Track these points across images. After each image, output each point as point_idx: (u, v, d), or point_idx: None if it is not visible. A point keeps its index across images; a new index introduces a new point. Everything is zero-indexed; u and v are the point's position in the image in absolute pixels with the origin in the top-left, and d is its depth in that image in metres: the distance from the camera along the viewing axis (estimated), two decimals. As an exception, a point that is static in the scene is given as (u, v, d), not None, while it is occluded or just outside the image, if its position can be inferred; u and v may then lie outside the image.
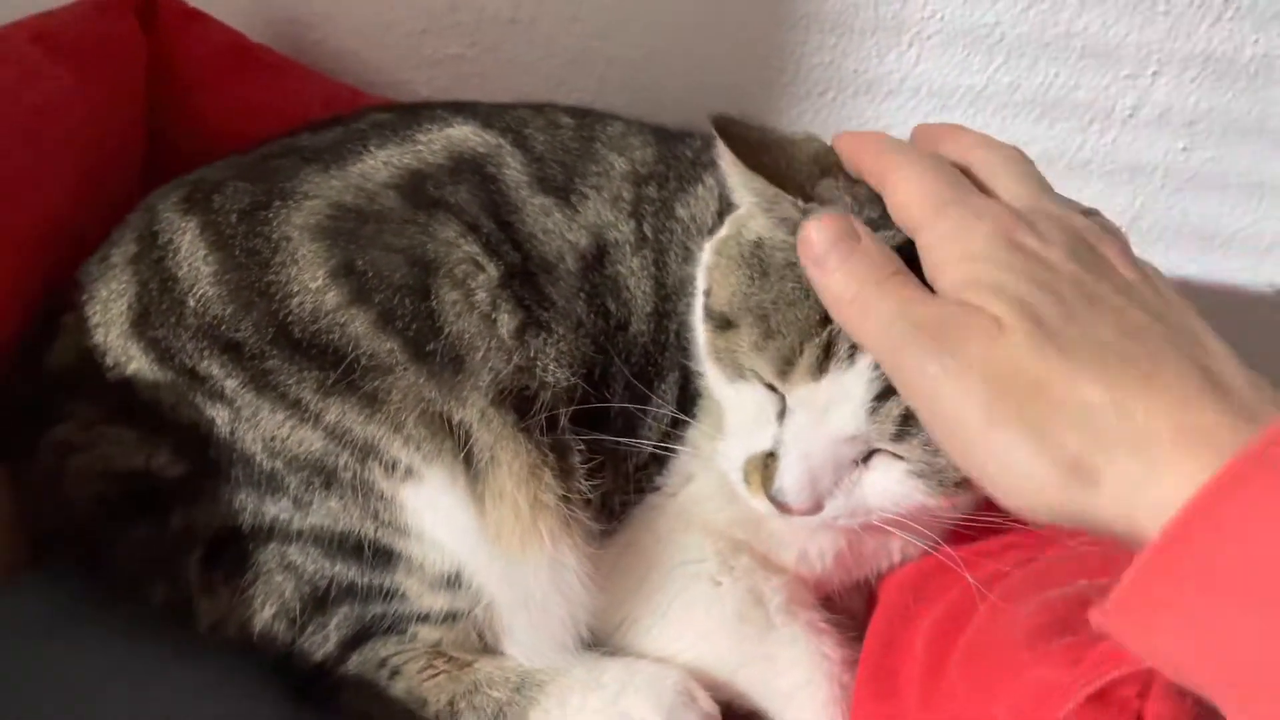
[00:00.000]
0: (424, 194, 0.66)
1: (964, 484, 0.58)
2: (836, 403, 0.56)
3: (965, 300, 0.46)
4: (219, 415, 0.62)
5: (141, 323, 0.64)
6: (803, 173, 0.59)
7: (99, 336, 0.65)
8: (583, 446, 0.64)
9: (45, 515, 0.66)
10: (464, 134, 0.70)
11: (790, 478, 0.57)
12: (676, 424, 0.67)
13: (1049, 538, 0.66)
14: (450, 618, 0.64)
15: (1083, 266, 0.46)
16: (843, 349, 0.55)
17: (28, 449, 0.65)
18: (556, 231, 0.67)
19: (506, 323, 0.64)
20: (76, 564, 0.67)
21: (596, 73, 1.01)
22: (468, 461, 0.62)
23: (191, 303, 0.63)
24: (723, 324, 0.60)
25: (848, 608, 0.72)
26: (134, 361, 0.63)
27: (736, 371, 0.60)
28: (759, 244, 0.60)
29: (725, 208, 0.67)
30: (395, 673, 0.64)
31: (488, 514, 0.62)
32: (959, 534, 0.67)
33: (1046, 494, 0.42)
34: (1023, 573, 0.63)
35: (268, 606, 0.63)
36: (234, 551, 0.63)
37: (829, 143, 0.61)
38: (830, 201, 0.57)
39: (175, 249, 0.65)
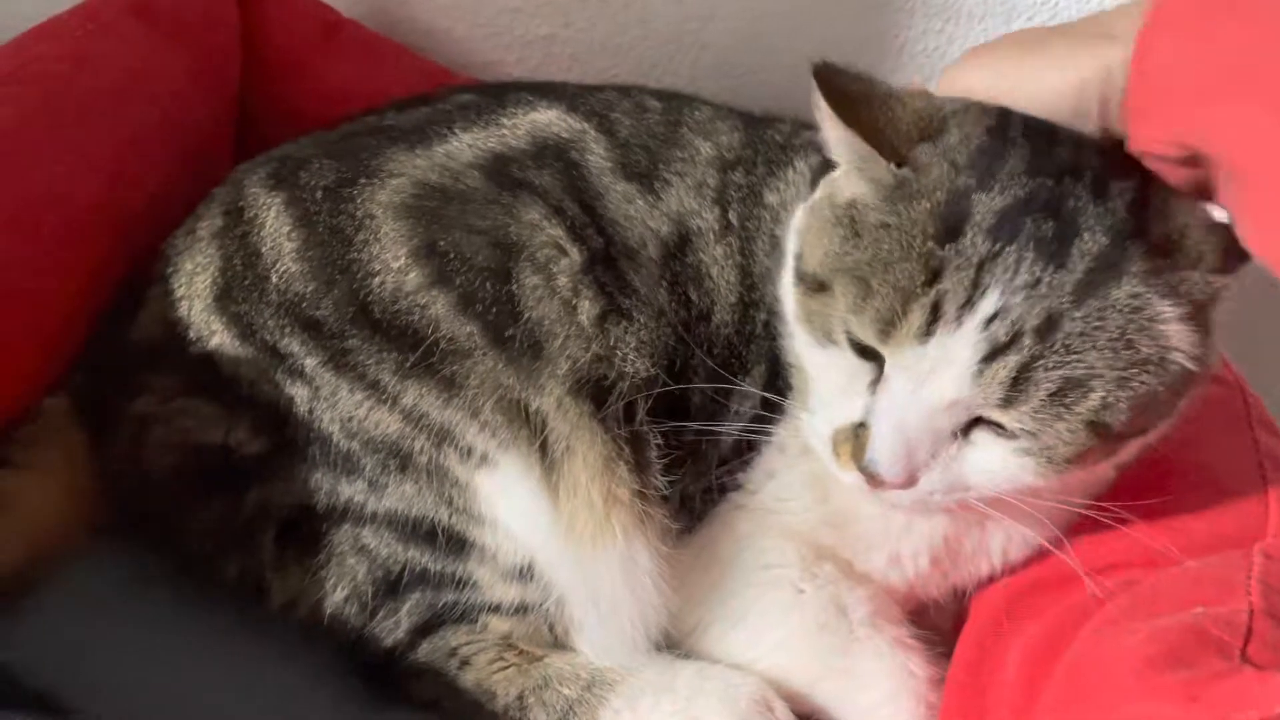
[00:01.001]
0: (508, 175, 0.64)
1: (1075, 461, 0.54)
2: (939, 366, 0.53)
3: None
4: (298, 393, 0.62)
5: (225, 297, 0.63)
6: (902, 133, 0.56)
7: (182, 310, 0.64)
8: (660, 440, 0.62)
9: (124, 486, 0.66)
10: (549, 118, 0.68)
11: (884, 448, 0.55)
12: (760, 419, 0.64)
13: (1154, 557, 0.62)
14: (521, 610, 0.63)
15: None
16: (950, 310, 0.52)
17: (109, 420, 0.65)
18: (639, 218, 0.65)
19: (587, 309, 0.62)
20: (151, 536, 0.67)
21: (690, 57, 0.98)
22: (543, 451, 0.60)
23: (274, 278, 0.63)
24: (815, 286, 0.58)
25: (935, 624, 0.69)
26: (216, 336, 0.63)
27: (827, 335, 0.57)
28: (851, 204, 0.57)
29: (818, 183, 0.64)
30: (465, 663, 0.63)
31: (561, 506, 0.60)
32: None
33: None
34: (1129, 596, 0.59)
35: (340, 589, 0.63)
36: (308, 531, 0.63)
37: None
38: (924, 167, 0.55)
39: (260, 224, 0.65)
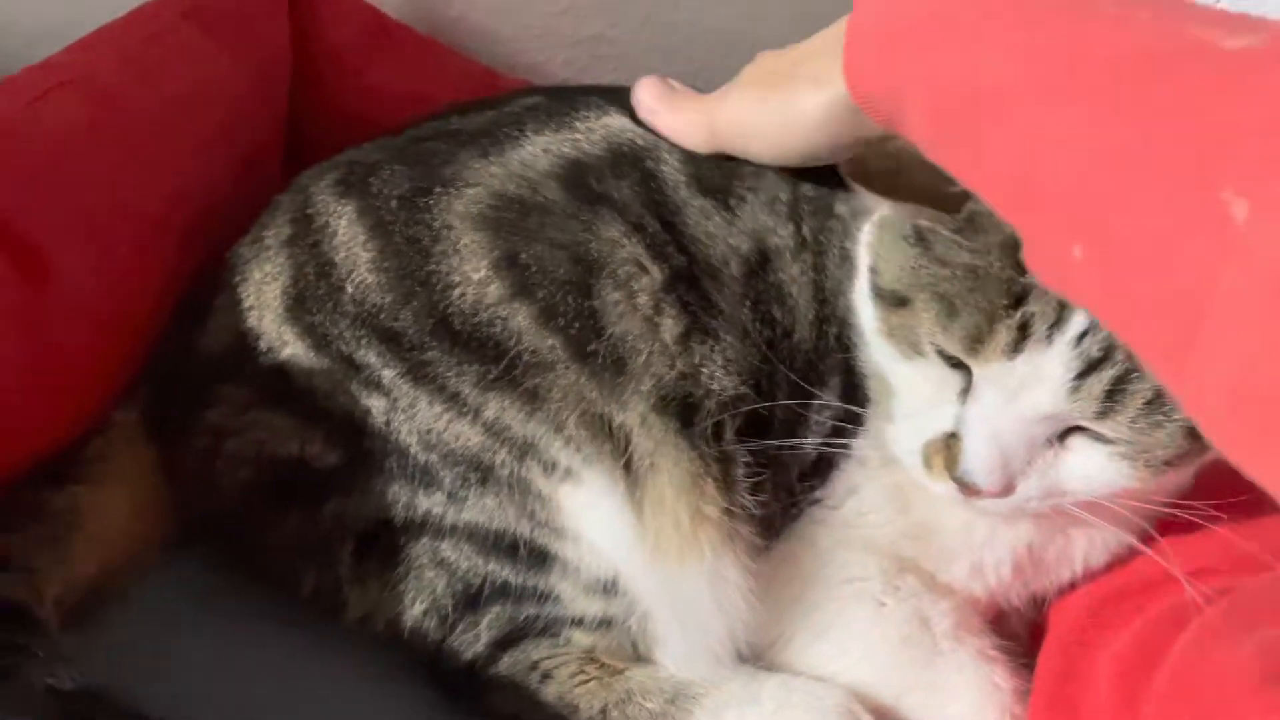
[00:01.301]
0: (587, 187, 0.63)
1: (1172, 463, 0.54)
2: (1031, 382, 0.52)
3: None
4: (375, 405, 0.61)
5: (297, 307, 0.62)
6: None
7: (253, 320, 0.63)
8: (748, 458, 0.61)
9: (197, 498, 0.65)
10: (622, 124, 0.67)
11: (978, 459, 0.54)
12: (839, 431, 0.63)
13: (1245, 561, 0.60)
14: (605, 624, 0.62)
15: None
16: (1040, 329, 0.52)
17: (180, 433, 0.64)
18: (719, 235, 0.64)
19: (670, 328, 0.61)
20: (224, 549, 0.66)
21: (741, 58, 0.97)
22: (627, 467, 0.59)
23: (350, 289, 0.61)
24: (895, 301, 0.58)
25: (1014, 632, 0.68)
26: (289, 346, 0.62)
27: (913, 348, 0.57)
28: (919, 226, 0.57)
29: None
30: (547, 676, 0.62)
31: (646, 522, 0.59)
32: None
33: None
34: (1226, 604, 0.58)
35: (419, 602, 0.62)
36: (386, 544, 0.62)
37: None
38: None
39: (332, 232, 0.63)
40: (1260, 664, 0.50)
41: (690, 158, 0.66)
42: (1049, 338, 0.52)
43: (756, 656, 0.64)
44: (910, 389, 0.59)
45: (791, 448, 0.62)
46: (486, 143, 0.65)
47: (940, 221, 0.55)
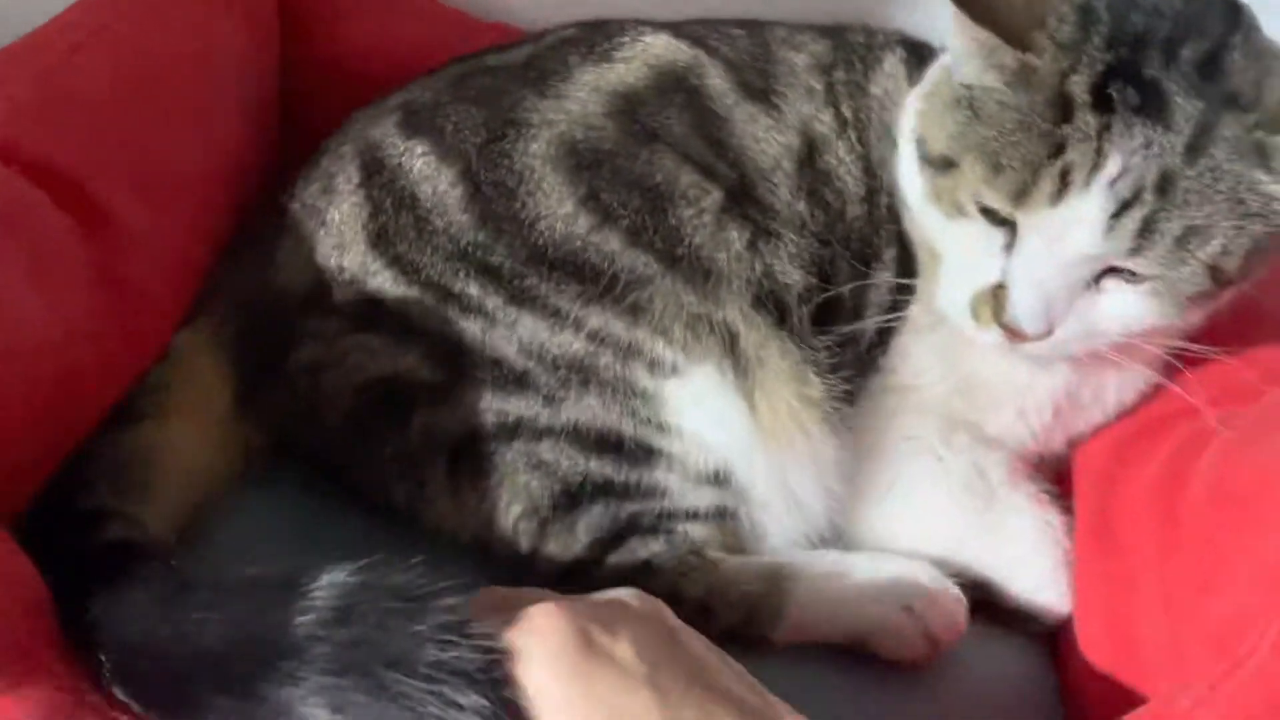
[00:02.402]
0: (640, 124, 0.67)
1: (1194, 301, 0.60)
2: (1071, 226, 0.58)
3: None
4: (470, 324, 0.63)
5: (380, 241, 0.64)
6: (1019, 22, 0.60)
7: (336, 257, 0.65)
8: (830, 341, 0.66)
9: (300, 433, 0.66)
10: (662, 43, 0.71)
11: (1024, 304, 0.60)
12: (897, 304, 0.68)
13: (1246, 389, 0.66)
14: (719, 515, 0.65)
15: None
16: (1079, 176, 0.57)
17: (272, 372, 0.65)
18: (767, 137, 0.69)
19: (736, 239, 0.65)
20: (317, 473, 0.67)
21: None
22: (735, 360, 0.63)
23: (439, 223, 0.64)
24: (943, 165, 0.63)
25: (1051, 481, 0.74)
26: (377, 276, 0.64)
27: (958, 209, 0.62)
28: (970, 88, 0.61)
29: (913, 74, 0.70)
30: (652, 573, 0.64)
31: (758, 410, 0.64)
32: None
33: None
34: (1245, 422, 0.64)
35: (514, 506, 0.63)
36: (480, 452, 0.63)
37: None
38: (1039, 51, 0.59)
39: (407, 169, 0.66)
40: None
41: (731, 66, 0.70)
42: (1087, 183, 0.57)
43: (837, 538, 0.69)
44: (957, 249, 0.64)
45: (855, 314, 0.67)
46: (535, 78, 0.68)
47: (1002, 67, 0.59)
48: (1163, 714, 0.52)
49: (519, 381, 0.63)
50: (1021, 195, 0.58)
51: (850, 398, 0.68)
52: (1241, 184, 0.57)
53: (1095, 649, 0.66)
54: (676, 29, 0.72)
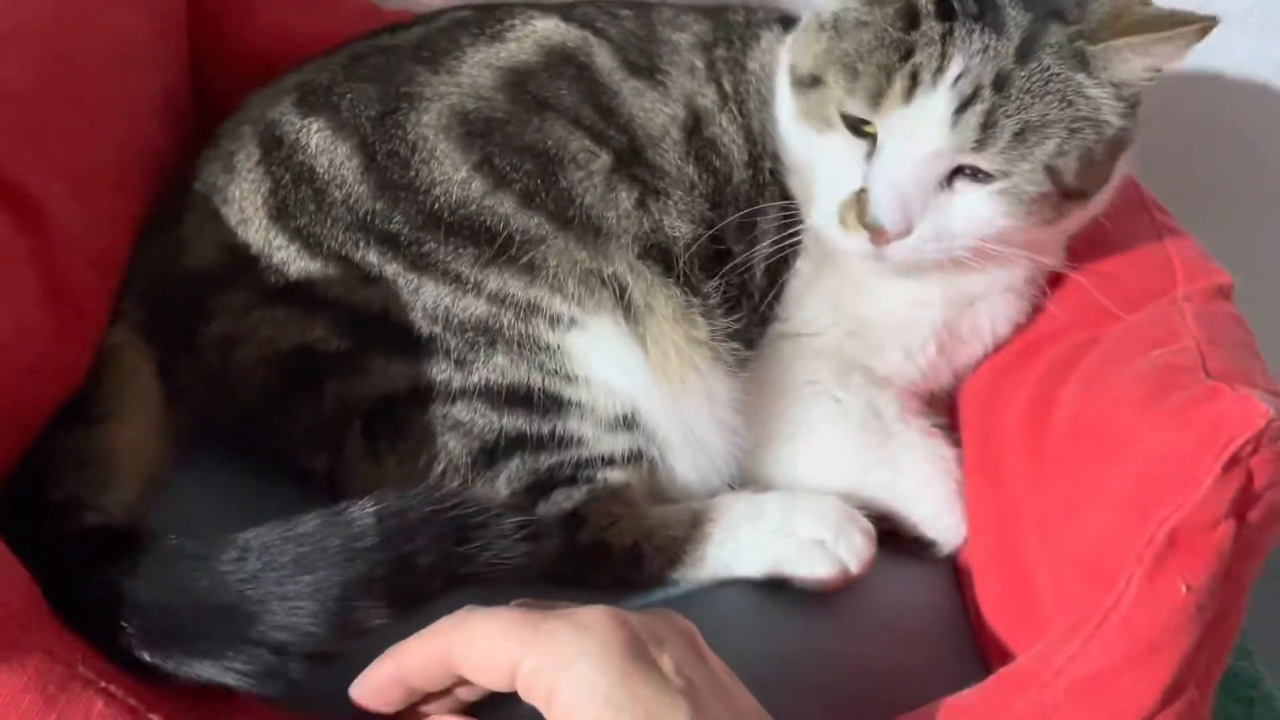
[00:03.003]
0: (530, 94, 0.71)
1: (1038, 204, 0.67)
2: (922, 123, 0.65)
3: None
4: (374, 292, 0.65)
5: (281, 214, 0.67)
6: None
7: (240, 233, 0.67)
8: (719, 284, 0.72)
9: (216, 409, 0.68)
10: (551, 25, 0.75)
11: (883, 202, 0.66)
12: (786, 260, 0.74)
13: (1103, 315, 0.73)
14: (634, 458, 0.68)
15: None
16: (927, 75, 0.65)
17: (185, 350, 0.67)
18: (654, 108, 0.74)
19: (625, 198, 0.70)
20: (232, 450, 0.68)
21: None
22: (627, 309, 0.68)
23: (337, 194, 0.66)
24: (810, 83, 0.70)
25: (941, 415, 0.81)
26: (281, 250, 0.66)
27: (825, 122, 0.69)
28: (834, 14, 0.70)
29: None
30: (581, 522, 0.67)
31: (650, 353, 0.68)
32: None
33: None
34: (1097, 351, 0.70)
35: (435, 466, 0.66)
36: (395, 417, 0.66)
37: None
38: None
39: (304, 145, 0.68)
40: (1136, 392, 0.62)
41: (617, 47, 0.75)
42: (933, 82, 0.64)
43: (748, 483, 0.74)
44: (825, 163, 0.71)
45: (748, 270, 0.73)
46: (428, 55, 0.72)
47: None
48: (1049, 654, 0.56)
49: (427, 346, 0.65)
50: (877, 98, 0.65)
51: (743, 338, 0.73)
52: (1069, 87, 0.65)
53: (988, 578, 0.71)
54: (566, 13, 0.77)
